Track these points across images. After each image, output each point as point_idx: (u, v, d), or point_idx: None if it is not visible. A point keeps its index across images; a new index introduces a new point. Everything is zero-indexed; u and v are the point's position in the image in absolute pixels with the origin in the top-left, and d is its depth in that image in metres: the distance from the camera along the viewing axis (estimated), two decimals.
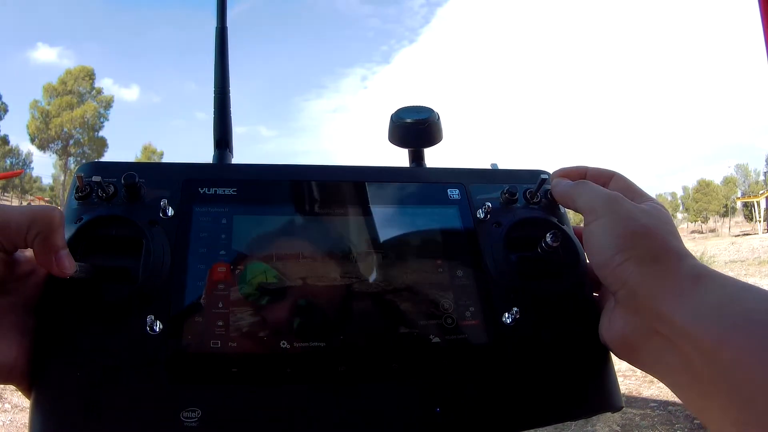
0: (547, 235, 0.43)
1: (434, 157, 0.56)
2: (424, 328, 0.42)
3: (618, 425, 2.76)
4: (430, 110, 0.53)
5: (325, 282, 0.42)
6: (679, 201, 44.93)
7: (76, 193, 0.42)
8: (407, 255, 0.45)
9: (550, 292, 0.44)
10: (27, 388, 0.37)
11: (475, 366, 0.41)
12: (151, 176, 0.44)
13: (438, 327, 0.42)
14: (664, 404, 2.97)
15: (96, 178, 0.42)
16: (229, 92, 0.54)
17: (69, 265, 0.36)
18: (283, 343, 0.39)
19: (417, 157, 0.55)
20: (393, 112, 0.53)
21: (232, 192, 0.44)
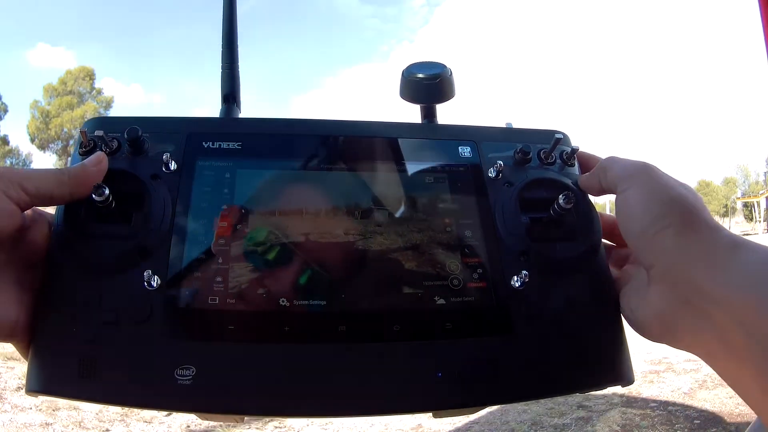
0: (560, 196, 0.41)
1: (447, 118, 0.54)
2: (429, 289, 0.40)
3: (618, 425, 2.75)
4: (442, 65, 0.51)
5: (328, 239, 0.41)
6: None
7: (80, 148, 0.42)
8: (414, 213, 0.43)
9: (562, 255, 0.42)
10: (27, 347, 0.37)
11: (480, 330, 0.40)
12: (156, 130, 0.43)
13: (443, 288, 0.40)
14: (664, 404, 2.96)
15: (99, 133, 0.42)
16: (237, 43, 0.53)
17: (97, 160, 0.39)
18: (283, 301, 0.38)
19: (428, 114, 0.53)
20: (404, 67, 0.52)
21: (236, 146, 0.43)
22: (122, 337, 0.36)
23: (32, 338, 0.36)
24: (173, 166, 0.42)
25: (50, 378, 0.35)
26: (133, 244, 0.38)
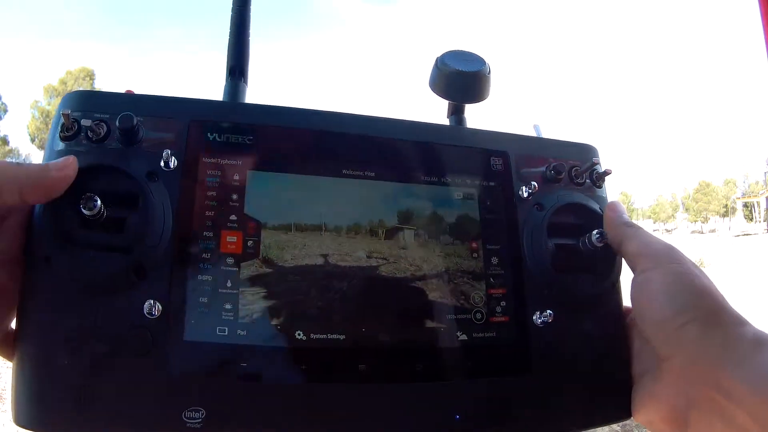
0: (594, 233, 0.39)
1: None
2: (452, 322, 0.38)
3: (618, 425, 2.77)
4: (481, 61, 0.45)
5: (349, 262, 0.37)
6: (679, 201, 44.89)
7: (61, 131, 0.35)
8: (441, 234, 0.40)
9: (585, 292, 0.41)
10: (10, 353, 0.33)
11: (499, 369, 0.38)
12: (152, 113, 0.37)
13: (466, 322, 0.38)
14: None
15: (86, 122, 0.35)
16: (249, 8, 0.46)
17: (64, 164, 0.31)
18: (299, 334, 0.35)
19: (457, 111, 0.48)
20: (438, 55, 0.46)
21: (247, 140, 0.37)
22: (122, 370, 0.32)
23: (17, 363, 0.32)
24: (173, 163, 0.36)
25: (43, 412, 0.32)
26: (129, 260, 0.33)
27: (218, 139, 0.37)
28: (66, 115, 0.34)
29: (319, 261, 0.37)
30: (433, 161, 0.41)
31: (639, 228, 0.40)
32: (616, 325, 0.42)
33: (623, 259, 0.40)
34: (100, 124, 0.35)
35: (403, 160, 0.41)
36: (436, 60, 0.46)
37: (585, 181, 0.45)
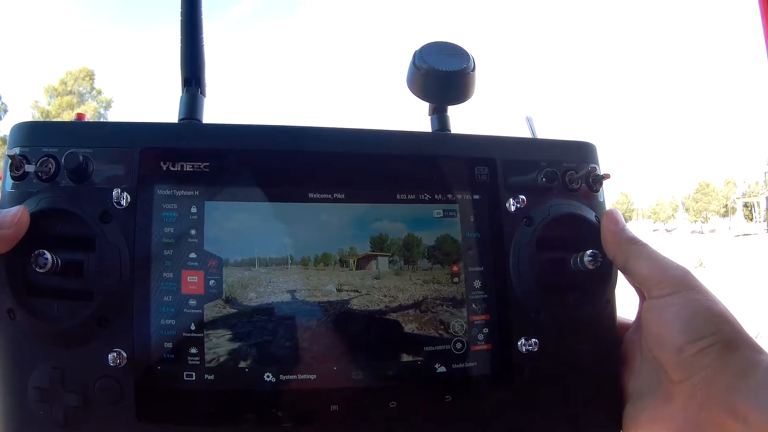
0: (587, 254, 0.36)
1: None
2: (430, 354, 0.36)
3: None
4: (465, 55, 0.40)
5: (318, 297, 0.35)
6: (679, 201, 44.93)
7: (11, 171, 0.34)
8: (418, 259, 0.37)
9: (576, 313, 0.38)
10: None
11: (480, 402, 0.37)
12: (101, 144, 0.34)
13: (445, 353, 0.36)
14: None
15: (30, 167, 0.33)
16: (201, 13, 0.41)
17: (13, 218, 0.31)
18: (268, 376, 0.34)
19: (439, 110, 0.44)
20: (417, 49, 0.41)
21: (203, 167, 0.35)
22: (94, 420, 0.32)
23: None
24: (126, 200, 0.34)
25: None
26: (90, 309, 0.32)
27: (172, 168, 0.35)
28: (12, 156, 0.33)
29: (286, 298, 0.35)
30: (409, 176, 0.38)
31: (645, 245, 0.37)
32: (609, 344, 0.39)
33: (629, 279, 0.38)
34: (48, 161, 0.34)
35: (375, 178, 0.38)
36: (414, 55, 0.41)
37: (581, 185, 0.40)
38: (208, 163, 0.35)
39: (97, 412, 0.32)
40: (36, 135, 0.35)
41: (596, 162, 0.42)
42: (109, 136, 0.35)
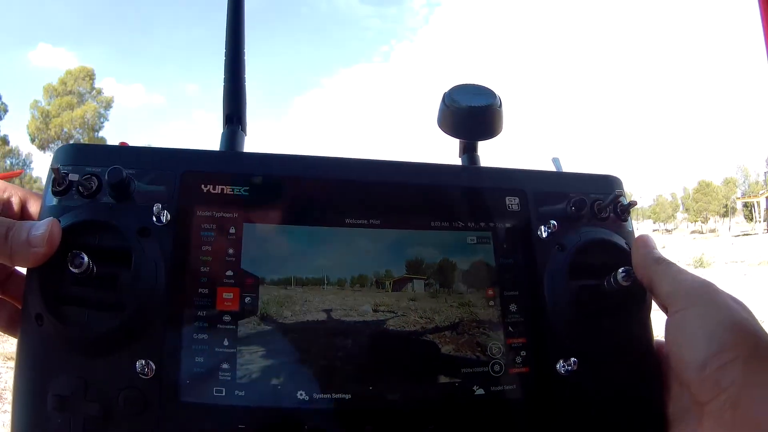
0: (619, 271, 0.36)
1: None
2: (467, 376, 0.36)
3: None
4: (491, 94, 0.43)
5: (354, 317, 0.35)
6: (679, 201, 44.97)
7: (53, 186, 0.34)
8: (454, 282, 0.37)
9: (612, 336, 0.37)
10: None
11: (519, 426, 0.36)
12: (144, 166, 0.36)
13: (483, 375, 0.36)
14: None
15: (73, 177, 0.34)
16: (244, 55, 0.45)
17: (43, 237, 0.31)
18: (301, 394, 0.33)
19: (470, 149, 0.46)
20: (447, 90, 0.43)
21: (243, 191, 0.36)
22: None
23: (13, 420, 0.32)
24: (166, 217, 0.34)
25: None
26: (121, 320, 0.32)
27: (212, 191, 0.36)
28: (56, 170, 0.34)
29: (322, 317, 0.35)
30: (443, 205, 0.39)
31: (670, 264, 0.37)
32: (648, 368, 0.38)
33: (656, 300, 0.37)
34: (91, 179, 0.35)
35: (411, 206, 0.39)
36: (443, 96, 0.44)
37: (609, 215, 0.41)
38: (247, 188, 0.36)
39: (117, 424, 0.31)
40: (80, 155, 0.36)
41: (622, 192, 0.42)
42: (153, 159, 0.37)
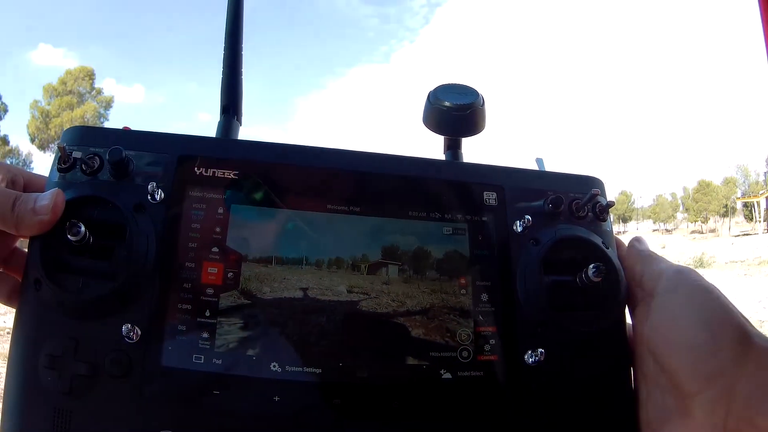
0: (590, 267, 0.37)
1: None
2: (436, 360, 0.37)
3: None
4: (474, 93, 0.45)
5: (329, 296, 0.37)
6: (679, 201, 44.88)
7: (59, 163, 0.37)
8: (427, 269, 0.39)
9: (583, 330, 0.38)
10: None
11: (486, 411, 0.37)
12: (143, 148, 0.38)
13: (451, 360, 0.37)
14: None
15: (77, 154, 0.37)
16: (241, 47, 0.47)
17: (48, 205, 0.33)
18: (274, 366, 0.35)
19: (452, 146, 0.48)
20: (431, 89, 0.46)
21: (232, 175, 0.38)
22: (99, 392, 0.33)
23: (6, 378, 0.34)
24: (159, 195, 0.37)
25: (23, 427, 0.33)
26: (113, 287, 0.34)
27: (204, 174, 0.38)
28: (62, 149, 0.37)
29: (299, 294, 0.37)
30: (422, 196, 0.41)
31: (658, 256, 0.38)
32: (620, 366, 0.39)
33: (638, 290, 0.38)
34: (93, 158, 0.37)
35: (390, 196, 0.40)
36: (428, 95, 0.46)
37: (587, 214, 0.42)
38: (237, 172, 0.39)
39: (103, 384, 0.34)
40: (86, 136, 0.39)
41: (602, 193, 0.43)
42: (152, 142, 0.39)
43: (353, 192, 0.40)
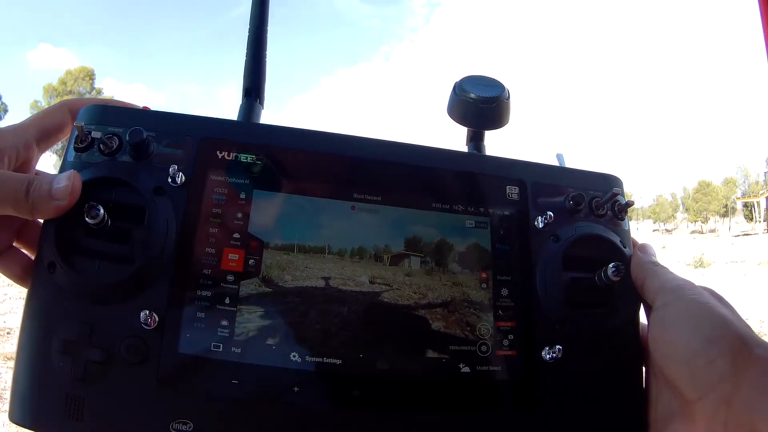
0: (610, 266, 0.37)
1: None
2: (455, 354, 0.37)
3: None
4: (500, 86, 0.45)
5: (351, 286, 0.36)
6: (679, 201, 44.91)
7: (75, 142, 0.36)
8: (449, 262, 0.39)
9: (600, 328, 0.39)
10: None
11: (503, 406, 0.37)
12: (164, 129, 0.37)
13: (470, 354, 0.37)
14: None
15: (96, 134, 0.36)
16: (266, 30, 0.46)
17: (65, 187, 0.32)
18: (294, 356, 0.34)
19: (476, 138, 0.48)
20: (457, 80, 0.45)
21: (255, 160, 0.37)
22: (114, 378, 0.33)
23: (17, 361, 0.33)
24: (180, 179, 0.36)
25: (34, 413, 0.32)
26: (131, 272, 0.33)
27: (227, 158, 0.37)
28: (80, 128, 0.35)
29: (320, 284, 0.36)
30: (445, 188, 0.40)
31: (664, 267, 0.38)
32: (633, 365, 0.39)
33: (643, 299, 0.39)
34: (112, 138, 0.36)
35: (414, 186, 0.40)
36: (454, 86, 0.45)
37: (606, 212, 0.42)
38: (260, 157, 0.38)
39: (118, 370, 0.33)
40: (104, 115, 0.37)
41: (620, 191, 0.43)
42: (173, 124, 0.38)
43: (378, 182, 0.39)
